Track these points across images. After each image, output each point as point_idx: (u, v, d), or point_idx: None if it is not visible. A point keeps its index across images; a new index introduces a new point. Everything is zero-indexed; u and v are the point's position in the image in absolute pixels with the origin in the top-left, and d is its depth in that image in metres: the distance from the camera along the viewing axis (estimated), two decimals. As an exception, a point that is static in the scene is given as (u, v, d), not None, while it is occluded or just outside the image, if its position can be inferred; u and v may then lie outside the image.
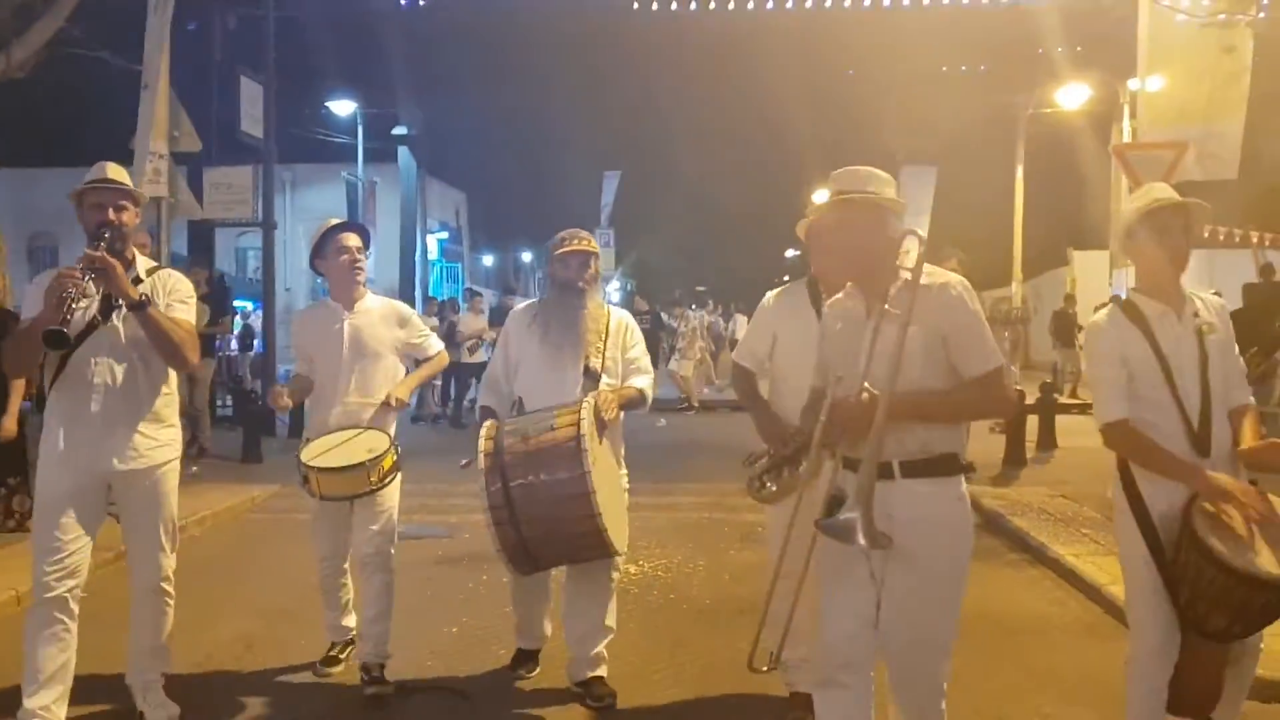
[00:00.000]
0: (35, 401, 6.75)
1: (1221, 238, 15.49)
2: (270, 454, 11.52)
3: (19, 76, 8.18)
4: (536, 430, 4.08)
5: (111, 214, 3.92)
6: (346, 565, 4.87)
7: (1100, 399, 3.42)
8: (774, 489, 4.02)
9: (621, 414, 4.42)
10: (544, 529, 4.02)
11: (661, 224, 38.94)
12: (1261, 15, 7.54)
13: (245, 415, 11.77)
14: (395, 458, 4.54)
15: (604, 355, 4.44)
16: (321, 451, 4.44)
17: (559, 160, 33.67)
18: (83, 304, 3.77)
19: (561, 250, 4.49)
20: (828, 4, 19.02)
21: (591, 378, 4.38)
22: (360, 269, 4.73)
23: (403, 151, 26.25)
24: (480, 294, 18.96)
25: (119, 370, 3.91)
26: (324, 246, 4.69)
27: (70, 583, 3.87)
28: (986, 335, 3.11)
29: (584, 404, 4.14)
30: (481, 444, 4.08)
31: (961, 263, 7.70)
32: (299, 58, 19.81)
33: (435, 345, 4.97)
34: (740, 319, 26.34)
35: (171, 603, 4.18)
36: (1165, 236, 3.40)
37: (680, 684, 4.74)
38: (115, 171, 4.05)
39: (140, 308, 3.82)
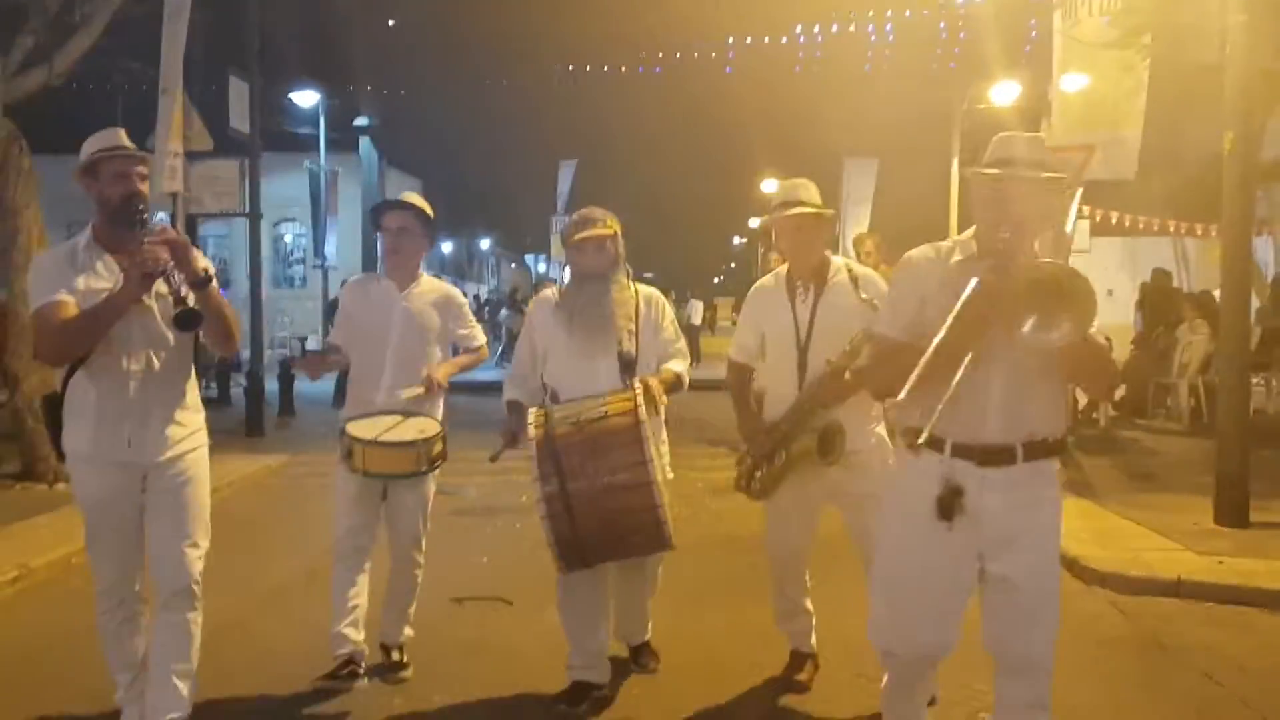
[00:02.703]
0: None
1: (1141, 226, 16.95)
2: (267, 430, 12.46)
3: (57, 84, 8.97)
4: (589, 417, 3.87)
5: (136, 183, 3.59)
6: (367, 560, 4.61)
7: None
8: (759, 484, 4.26)
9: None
10: (600, 521, 3.82)
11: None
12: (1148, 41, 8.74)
13: (247, 394, 12.67)
14: (443, 446, 4.39)
15: (637, 339, 4.24)
16: (368, 429, 4.28)
17: (516, 148, 34.44)
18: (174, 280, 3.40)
19: (576, 238, 4.29)
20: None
21: (627, 364, 4.19)
22: (396, 250, 4.55)
23: (364, 142, 26.93)
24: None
25: (155, 354, 3.58)
26: (377, 224, 4.65)
27: (138, 585, 3.76)
28: None
29: (635, 389, 3.96)
30: (531, 431, 3.88)
31: (878, 245, 8.73)
32: (264, 51, 20.33)
33: (480, 338, 4.84)
34: (695, 305, 27.46)
35: (200, 613, 3.70)
36: None
37: (677, 603, 5.36)
38: (125, 138, 3.69)
39: (205, 284, 3.52)
